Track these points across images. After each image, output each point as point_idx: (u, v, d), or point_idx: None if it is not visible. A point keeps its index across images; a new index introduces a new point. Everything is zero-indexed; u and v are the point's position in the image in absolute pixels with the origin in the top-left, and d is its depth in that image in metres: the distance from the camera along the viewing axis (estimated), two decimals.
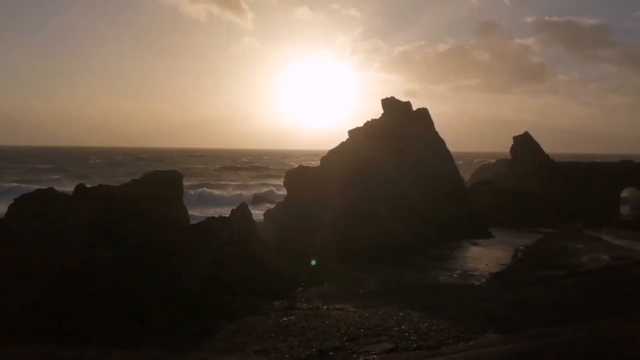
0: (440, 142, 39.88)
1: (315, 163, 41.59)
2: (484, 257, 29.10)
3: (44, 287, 14.36)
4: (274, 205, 35.84)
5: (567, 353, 9.57)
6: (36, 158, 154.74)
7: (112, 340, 12.78)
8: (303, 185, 31.75)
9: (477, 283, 22.57)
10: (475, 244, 33.11)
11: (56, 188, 18.39)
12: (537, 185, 46.03)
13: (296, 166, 36.97)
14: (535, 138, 51.50)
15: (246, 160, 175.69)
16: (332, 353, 10.42)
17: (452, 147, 41.09)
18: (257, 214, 33.99)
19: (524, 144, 50.89)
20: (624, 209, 50.17)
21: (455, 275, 24.44)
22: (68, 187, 20.00)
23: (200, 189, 72.70)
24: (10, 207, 16.72)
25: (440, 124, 54.15)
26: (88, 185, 18.44)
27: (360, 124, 36.32)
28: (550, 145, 64.03)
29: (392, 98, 38.38)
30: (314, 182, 31.57)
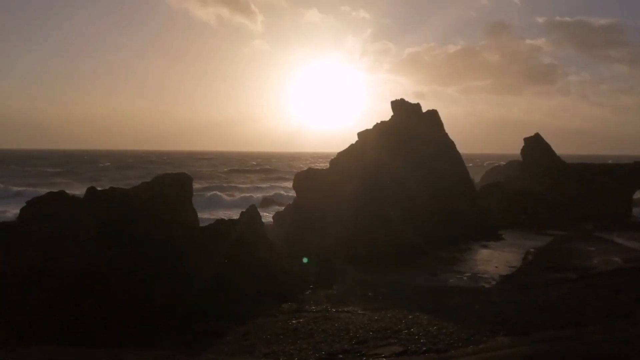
0: (450, 144, 39.71)
1: (324, 165, 41.61)
2: (493, 260, 28.91)
3: (56, 288, 14.48)
4: (283, 207, 35.89)
5: (579, 356, 9.48)
6: (46, 161, 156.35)
7: (122, 340, 12.86)
8: (312, 187, 31.76)
9: (486, 286, 22.43)
10: (485, 246, 32.91)
11: (66, 191, 18.56)
12: (548, 187, 45.68)
13: (305, 168, 37.00)
14: (546, 139, 51.14)
15: (255, 162, 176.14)
16: (341, 356, 10.41)
17: (461, 148, 40.93)
18: (266, 216, 34.15)
19: (535, 145, 50.51)
20: (636, 211, 49.57)
21: (464, 278, 24.30)
22: (77, 190, 20.21)
23: (210, 192, 72.99)
24: (22, 210, 16.92)
25: (450, 125, 54.07)
26: (99, 188, 18.60)
27: (370, 126, 36.29)
28: (561, 147, 63.70)
29: (402, 100, 38.29)
30: (323, 185, 31.57)
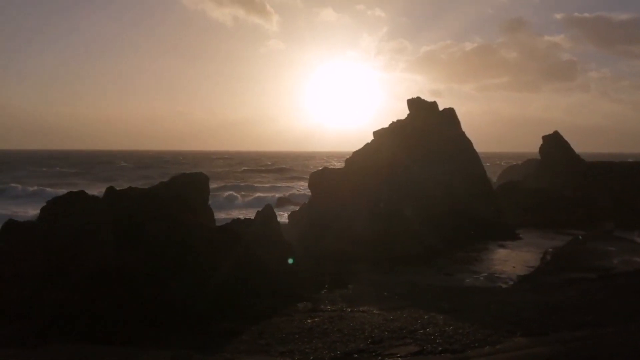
0: (467, 143, 39.37)
1: (340, 164, 41.58)
2: (511, 260, 28.60)
3: (74, 287, 14.71)
4: (299, 207, 35.94)
5: (598, 357, 9.35)
6: (63, 162, 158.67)
7: (139, 339, 13.01)
8: (327, 187, 31.76)
9: (504, 286, 22.19)
10: (502, 246, 32.55)
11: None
12: (567, 186, 45.06)
13: (320, 168, 37.01)
14: (565, 137, 50.49)
15: (270, 162, 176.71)
16: (356, 355, 10.41)
17: (478, 147, 40.55)
18: (282, 215, 34.20)
19: (554, 143, 49.88)
20: None
21: (481, 278, 24.08)
22: (94, 190, 20.52)
23: (226, 192, 73.42)
24: (42, 209, 17.19)
25: (467, 123, 53.52)
26: (117, 188, 18.84)
27: (385, 125, 36.16)
28: (581, 145, 62.87)
29: (418, 98, 38.07)
30: (338, 184, 31.55)
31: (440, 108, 38.86)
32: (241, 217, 29.24)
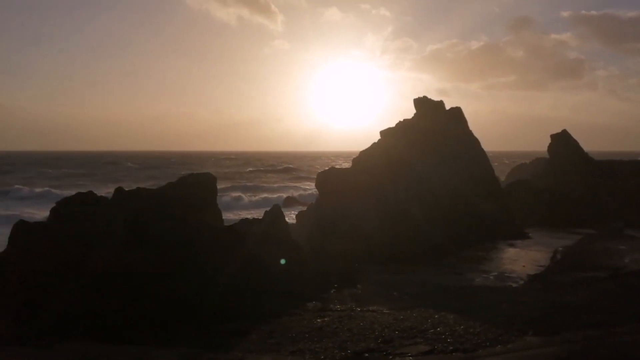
0: (475, 142, 39.20)
1: (346, 164, 41.53)
2: (520, 259, 28.43)
3: (84, 287, 14.78)
4: (306, 207, 35.92)
5: (609, 357, 9.28)
6: (69, 163, 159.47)
7: (149, 339, 13.05)
8: (335, 186, 31.72)
9: (514, 285, 22.06)
10: (511, 245, 32.37)
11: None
12: (576, 185, 44.75)
13: (327, 167, 36.98)
14: (573, 136, 50.13)
15: (277, 162, 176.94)
16: (367, 355, 10.39)
17: (486, 146, 40.36)
18: (289, 215, 34.20)
19: (562, 142, 49.54)
20: None
21: (491, 277, 23.95)
22: (101, 191, 20.58)
23: (233, 192, 73.58)
24: (52, 210, 17.28)
25: (474, 122, 53.41)
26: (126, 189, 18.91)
27: (392, 124, 36.01)
28: (589, 143, 62.34)
29: (425, 97, 37.92)
30: (345, 184, 31.50)
31: (447, 107, 38.73)
32: (249, 217, 29.31)
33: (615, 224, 38.99)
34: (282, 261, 20.91)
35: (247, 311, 15.27)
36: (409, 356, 9.97)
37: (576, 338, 10.50)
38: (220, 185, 22.19)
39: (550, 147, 50.72)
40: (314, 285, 19.42)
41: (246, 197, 71.07)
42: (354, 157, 34.49)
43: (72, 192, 22.99)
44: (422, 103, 37.56)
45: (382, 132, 35.45)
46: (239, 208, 60.82)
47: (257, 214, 34.96)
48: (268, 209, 24.42)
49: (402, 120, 36.42)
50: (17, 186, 79.23)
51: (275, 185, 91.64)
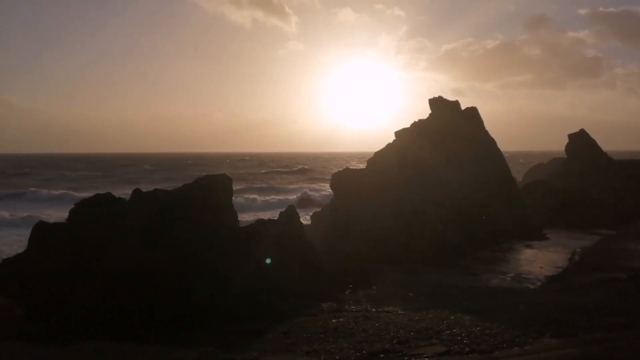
0: (491, 142, 38.88)
1: (361, 165, 41.44)
2: (538, 260, 28.11)
3: (102, 287, 14.99)
4: (321, 207, 35.95)
5: (628, 359, 9.14)
6: (86, 165, 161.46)
7: (165, 339, 13.18)
8: (349, 187, 31.71)
9: (531, 286, 21.82)
10: (529, 246, 32.04)
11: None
12: (594, 185, 44.11)
13: (342, 168, 36.97)
14: (591, 135, 49.46)
15: (292, 163, 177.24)
16: (382, 355, 10.35)
17: (502, 146, 40.00)
18: (304, 216, 34.24)
19: (580, 141, 48.96)
20: None
21: (508, 279, 23.73)
22: (119, 193, 20.82)
23: (248, 193, 73.91)
24: (71, 211, 17.57)
25: (490, 122, 52.93)
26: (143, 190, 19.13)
27: (407, 125, 35.87)
28: (607, 143, 61.37)
29: (440, 97, 37.72)
30: (360, 184, 31.47)
31: (463, 107, 38.46)
32: (264, 218, 29.38)
33: (635, 225, 38.38)
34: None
35: (262, 311, 15.34)
36: (425, 357, 9.92)
37: (595, 340, 10.36)
38: (235, 187, 22.29)
39: (568, 146, 50.14)
40: (329, 286, 19.42)
41: (261, 198, 71.31)
42: (369, 157, 34.44)
43: (90, 194, 23.23)
44: (437, 103, 37.35)
45: (396, 133, 35.33)
46: (254, 209, 61.06)
47: (272, 214, 35.01)
48: (283, 209, 24.45)
49: (417, 120, 36.27)
50: (31, 189, 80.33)
51: (290, 186, 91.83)
